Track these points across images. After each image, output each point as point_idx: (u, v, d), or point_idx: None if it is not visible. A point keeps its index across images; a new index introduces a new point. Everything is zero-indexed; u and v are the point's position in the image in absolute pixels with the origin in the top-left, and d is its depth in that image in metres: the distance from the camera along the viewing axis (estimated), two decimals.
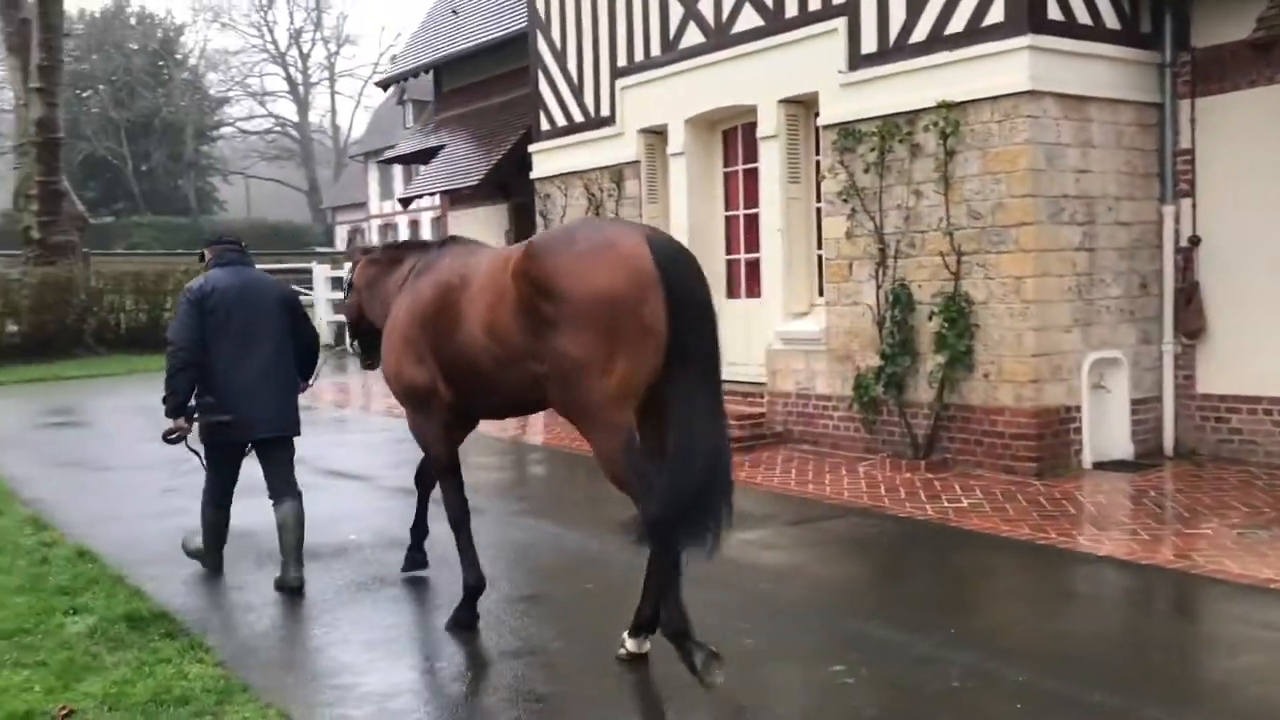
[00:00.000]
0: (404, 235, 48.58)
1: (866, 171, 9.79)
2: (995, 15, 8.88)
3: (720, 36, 11.25)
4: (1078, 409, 9.09)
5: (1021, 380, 8.90)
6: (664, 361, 4.59)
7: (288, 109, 69.67)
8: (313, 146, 68.10)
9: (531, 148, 14.14)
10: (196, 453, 6.46)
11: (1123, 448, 9.35)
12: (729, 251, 11.91)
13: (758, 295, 11.32)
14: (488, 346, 5.01)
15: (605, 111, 12.83)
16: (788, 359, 10.83)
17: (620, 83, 12.54)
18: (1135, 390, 9.46)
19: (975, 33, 9.01)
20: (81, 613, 5.45)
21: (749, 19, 10.94)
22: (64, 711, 4.25)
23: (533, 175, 14.11)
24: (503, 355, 4.95)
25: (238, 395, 6.25)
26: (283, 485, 6.40)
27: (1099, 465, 9.13)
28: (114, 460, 10.66)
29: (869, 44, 9.83)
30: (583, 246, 4.76)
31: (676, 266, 4.66)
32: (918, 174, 9.46)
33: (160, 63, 60.36)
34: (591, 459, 4.82)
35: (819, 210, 10.55)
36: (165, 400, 6.18)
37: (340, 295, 22.88)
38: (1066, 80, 8.91)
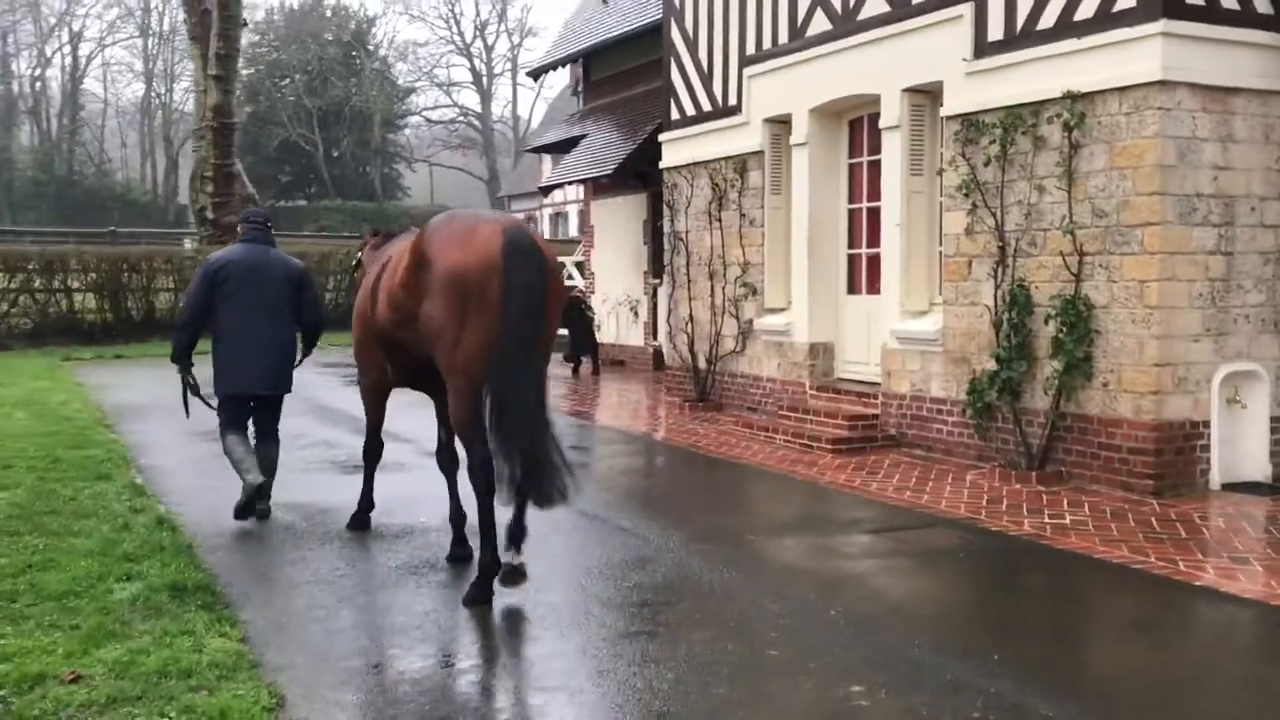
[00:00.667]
0: (548, 224, 49.36)
1: (988, 165, 9.32)
2: (1127, 0, 8.29)
3: (847, 24, 10.90)
4: (1206, 425, 8.43)
5: (1141, 391, 8.31)
6: (497, 334, 5.32)
7: (471, 99, 71.48)
8: (493, 136, 69.67)
9: (661, 137, 14.02)
10: (209, 404, 7.52)
11: (1258, 469, 8.63)
12: (851, 245, 11.54)
13: (878, 292, 10.93)
14: (393, 310, 5.90)
15: (733, 101, 12.61)
16: (903, 359, 10.41)
17: (748, 71, 12.30)
18: (1277, 407, 8.72)
19: (1106, 18, 8.44)
20: (134, 579, 5.62)
21: (875, 5, 10.56)
22: (71, 676, 4.36)
23: (661, 165, 13.99)
24: (399, 318, 5.84)
25: (238, 356, 7.27)
26: (266, 431, 7.57)
27: (1229, 487, 8.46)
28: None
29: (995, 31, 9.34)
30: (455, 228, 5.59)
31: (518, 255, 5.39)
32: (1041, 168, 8.94)
33: (352, 53, 62.72)
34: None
35: (942, 205, 10.11)
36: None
37: None
38: (1206, 70, 8.26)
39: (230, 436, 7.35)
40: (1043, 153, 8.92)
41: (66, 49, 66.68)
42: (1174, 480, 8.31)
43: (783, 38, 11.80)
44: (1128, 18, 8.29)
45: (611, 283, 17.99)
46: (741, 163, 12.48)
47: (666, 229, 13.87)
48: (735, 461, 9.79)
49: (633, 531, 7.08)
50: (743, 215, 12.50)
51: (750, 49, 12.30)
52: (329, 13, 64.38)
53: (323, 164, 60.82)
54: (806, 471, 9.33)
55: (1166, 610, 5.73)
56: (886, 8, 10.42)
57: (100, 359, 18.16)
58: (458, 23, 74.79)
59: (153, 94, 66.55)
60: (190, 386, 7.44)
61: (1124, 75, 8.31)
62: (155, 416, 12.09)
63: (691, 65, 13.36)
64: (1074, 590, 6.09)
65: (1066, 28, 8.72)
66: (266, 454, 7.49)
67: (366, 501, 7.17)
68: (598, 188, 18.20)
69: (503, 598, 5.56)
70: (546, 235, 48.65)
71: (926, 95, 10.20)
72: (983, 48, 9.45)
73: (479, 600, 5.48)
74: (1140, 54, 8.22)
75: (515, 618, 5.36)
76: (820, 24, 11.25)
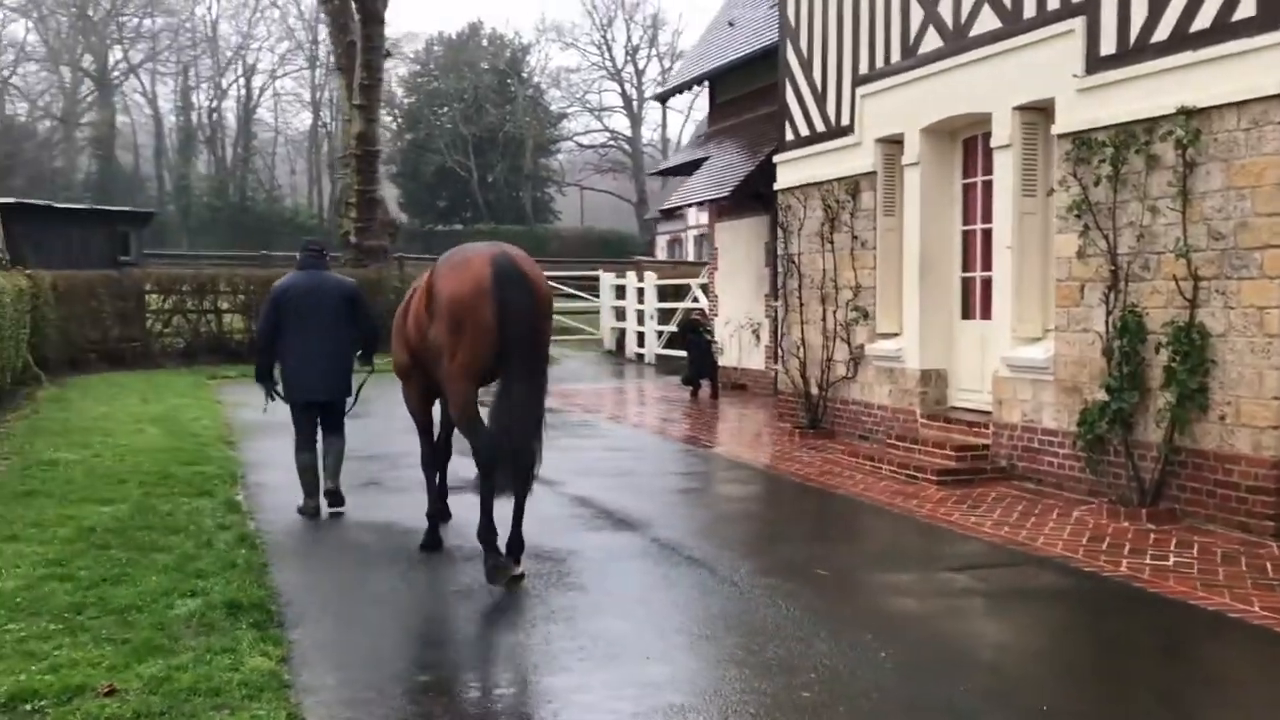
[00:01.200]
0: (668, 249, 49.27)
1: (1098, 185, 8.90)
2: (1246, 9, 7.81)
3: (958, 40, 10.58)
4: None
5: (1261, 425, 7.77)
6: (497, 351, 6.25)
7: (622, 123, 72.26)
8: (643, 159, 70.28)
9: (776, 158, 13.86)
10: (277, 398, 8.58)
11: None
12: (965, 269, 11.16)
13: (992, 318, 10.54)
14: (418, 331, 6.92)
15: (845, 121, 12.38)
16: (1014, 388, 10.01)
17: (860, 90, 12.06)
18: None
19: (1223, 29, 7.97)
20: (197, 595, 5.78)
21: (987, 21, 10.22)
22: (107, 689, 4.49)
23: (776, 186, 13.83)
24: (421, 338, 6.84)
25: (300, 368, 8.31)
26: (332, 431, 8.61)
27: None
28: (355, 450, 11.32)
29: (1108, 45, 8.92)
30: (454, 261, 6.59)
31: (508, 282, 6.26)
32: (1154, 189, 8.49)
33: (507, 81, 64.19)
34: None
35: (1054, 227, 9.69)
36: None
37: (621, 303, 23.50)
38: None
39: (301, 455, 8.42)
40: (1156, 172, 8.46)
41: (241, 81, 70.08)
42: None
43: (895, 56, 11.53)
44: (1246, 28, 7.80)
45: (734, 305, 17.84)
46: (854, 184, 12.23)
47: (780, 251, 13.70)
48: (831, 491, 9.55)
49: (701, 562, 6.95)
50: (854, 237, 12.24)
51: (863, 68, 12.06)
52: (485, 41, 66.07)
53: (476, 189, 62.34)
54: (905, 504, 9.03)
55: (1252, 665, 5.31)
56: (998, 23, 10.08)
57: (245, 377, 18.85)
58: (609, 49, 75.58)
59: (320, 123, 69.32)
60: (272, 397, 8.56)
61: (1242, 89, 7.82)
62: (276, 434, 12.44)
63: (805, 85, 13.17)
64: (1152, 638, 5.71)
65: (1182, 40, 8.27)
66: (333, 448, 8.54)
67: (435, 513, 7.48)
68: (721, 210, 18.12)
69: (551, 624, 5.52)
70: (691, 257, 48.73)
71: (1039, 113, 9.81)
72: (1095, 62, 9.04)
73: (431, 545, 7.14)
74: (1258, 66, 7.73)
75: (556, 644, 5.30)
76: (932, 41, 10.96)
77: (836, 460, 11.08)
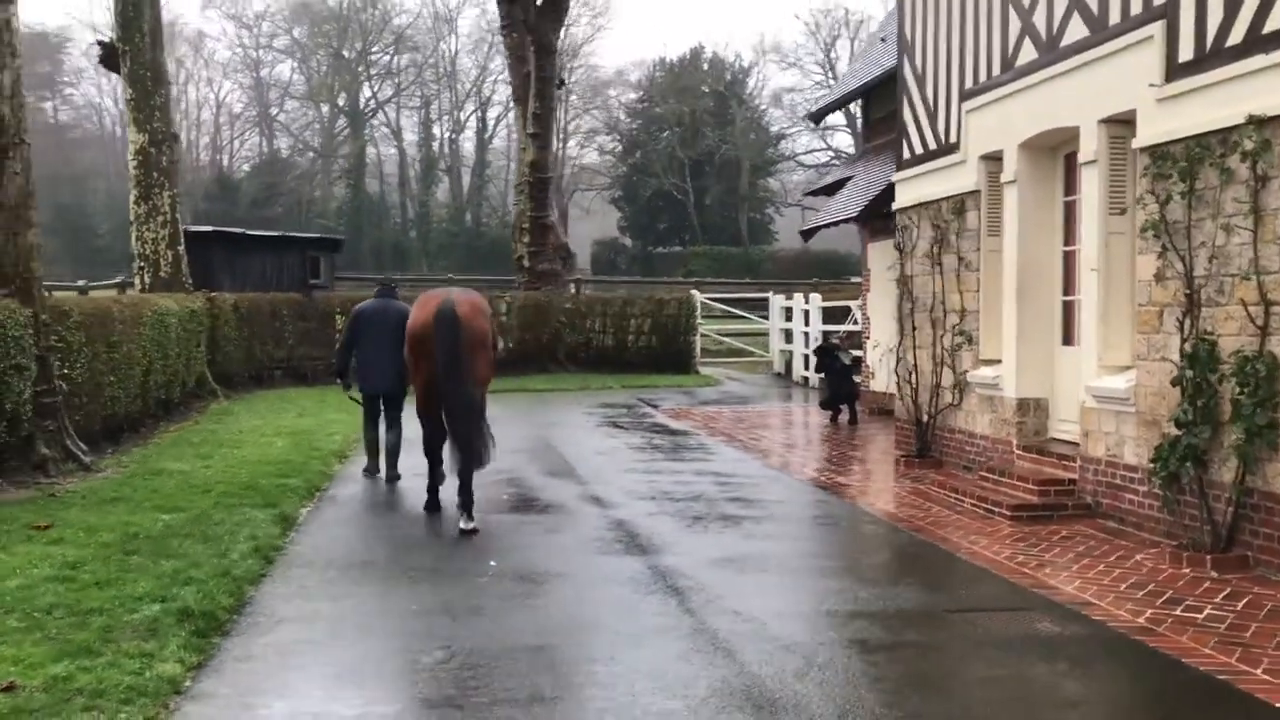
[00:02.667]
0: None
1: (1168, 202, 8.25)
2: None
3: (1051, 51, 10.02)
4: None
5: None
6: (434, 375, 8.71)
7: (845, 141, 71.37)
8: None
9: (894, 177, 13.46)
10: (356, 400, 11.35)
11: None
12: (1066, 292, 10.52)
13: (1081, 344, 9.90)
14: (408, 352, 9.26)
15: (953, 138, 11.90)
16: (1099, 419, 9.36)
17: (966, 106, 11.57)
18: None
19: None
20: (167, 601, 6.14)
21: (1076, 29, 9.64)
22: (6, 685, 4.87)
23: (894, 206, 13.42)
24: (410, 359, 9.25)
25: (366, 369, 10.99)
26: (391, 422, 11.03)
27: None
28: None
29: (1186, 51, 8.26)
30: (419, 302, 9.10)
31: (442, 320, 8.58)
32: (1228, 205, 7.79)
33: (726, 103, 64.58)
34: None
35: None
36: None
37: (790, 325, 23.21)
38: None
39: (367, 432, 11.31)
40: (1230, 187, 7.77)
41: (477, 114, 73.37)
42: None
43: (995, 69, 11.01)
44: None
45: (883, 328, 17.32)
46: (960, 203, 11.73)
47: (897, 274, 13.27)
48: (894, 524, 9.17)
49: (697, 587, 6.84)
50: (960, 259, 11.73)
51: (969, 83, 11.57)
52: (706, 65, 66.73)
53: (692, 211, 62.97)
54: (960, 540, 8.59)
55: None
56: (1086, 32, 9.49)
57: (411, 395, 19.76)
58: (832, 68, 74.86)
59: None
60: (347, 387, 11.33)
61: None
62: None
63: (920, 102, 12.74)
64: (1105, 701, 5.23)
65: (1255, 43, 7.57)
66: (390, 436, 10.99)
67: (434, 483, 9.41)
68: (873, 231, 17.68)
69: (513, 661, 5.59)
70: None
71: (1125, 125, 9.16)
72: (1173, 70, 8.39)
73: (430, 507, 9.27)
74: None
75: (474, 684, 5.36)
76: (1028, 53, 10.41)
77: (924, 492, 10.64)
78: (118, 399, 12.55)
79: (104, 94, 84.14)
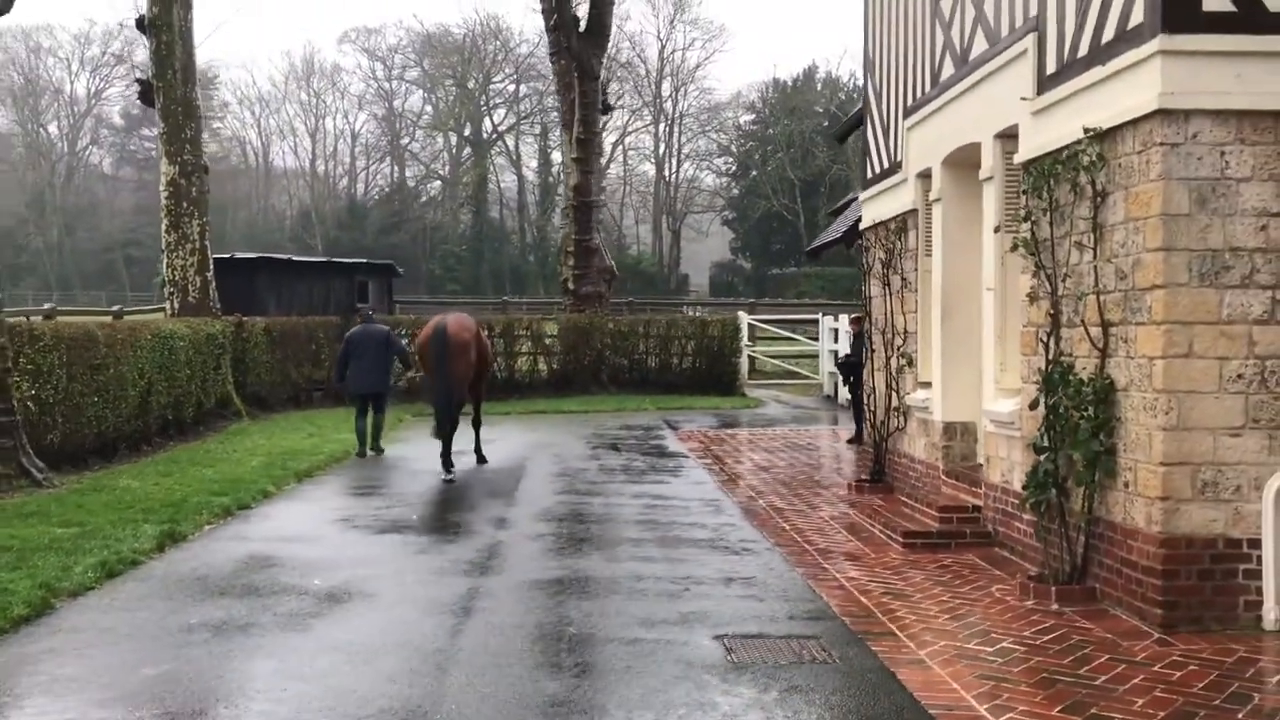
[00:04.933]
0: None
1: (1036, 219, 7.95)
2: (1137, 14, 6.78)
3: (962, 66, 9.77)
4: (1254, 544, 6.55)
5: (1150, 496, 6.65)
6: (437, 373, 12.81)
7: None
8: None
9: (861, 197, 13.23)
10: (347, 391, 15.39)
11: None
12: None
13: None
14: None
15: (898, 156, 11.66)
16: (996, 444, 9.06)
17: (907, 123, 11.33)
18: None
19: (1121, 39, 6.97)
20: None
21: (980, 43, 9.39)
22: None
23: (861, 226, 13.18)
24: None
25: (357, 375, 14.77)
26: (376, 410, 14.81)
27: None
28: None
29: (1051, 63, 8.00)
30: (429, 324, 13.39)
31: (438, 337, 12.73)
32: (1080, 222, 7.49)
33: (838, 122, 63.98)
34: None
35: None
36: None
37: (837, 347, 22.88)
38: (1245, 92, 6.52)
39: (358, 423, 14.84)
40: (1080, 203, 7.47)
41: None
42: (1197, 612, 6.56)
43: (927, 85, 10.76)
44: (1134, 37, 6.78)
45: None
46: (903, 222, 11.48)
47: (863, 295, 13.02)
48: (777, 548, 8.99)
49: (490, 609, 6.88)
50: (904, 279, 11.47)
51: (909, 100, 11.33)
52: (819, 85, 66.31)
53: (803, 232, 62.49)
54: (830, 564, 8.40)
55: None
56: (985, 45, 9.23)
57: (424, 417, 19.92)
58: None
59: (662, 175, 72.18)
60: (345, 392, 15.71)
61: (1130, 107, 6.80)
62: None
63: (878, 120, 12.52)
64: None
65: (1097, 53, 7.28)
66: (376, 420, 14.86)
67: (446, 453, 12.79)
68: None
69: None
70: None
71: (1014, 140, 8.86)
72: (1042, 83, 8.12)
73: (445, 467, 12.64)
74: (1141, 79, 6.70)
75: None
76: (948, 68, 10.16)
77: (848, 518, 10.40)
78: (104, 418, 13.18)
79: (247, 127, 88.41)
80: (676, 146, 72.62)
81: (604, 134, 72.84)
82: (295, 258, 25.84)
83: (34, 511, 9.76)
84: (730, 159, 70.78)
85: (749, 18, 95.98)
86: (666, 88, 71.90)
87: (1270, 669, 5.89)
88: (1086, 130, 7.17)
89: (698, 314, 31.13)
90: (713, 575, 8.06)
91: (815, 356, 25.07)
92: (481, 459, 13.86)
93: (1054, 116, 7.85)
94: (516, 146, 77.62)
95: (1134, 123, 6.79)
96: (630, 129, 74.47)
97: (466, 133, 78.12)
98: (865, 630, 6.64)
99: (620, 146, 75.28)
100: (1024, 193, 8.19)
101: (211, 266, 18.49)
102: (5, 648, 6.10)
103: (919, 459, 11.05)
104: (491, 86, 77.27)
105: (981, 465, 9.92)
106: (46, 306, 16.47)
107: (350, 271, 25.27)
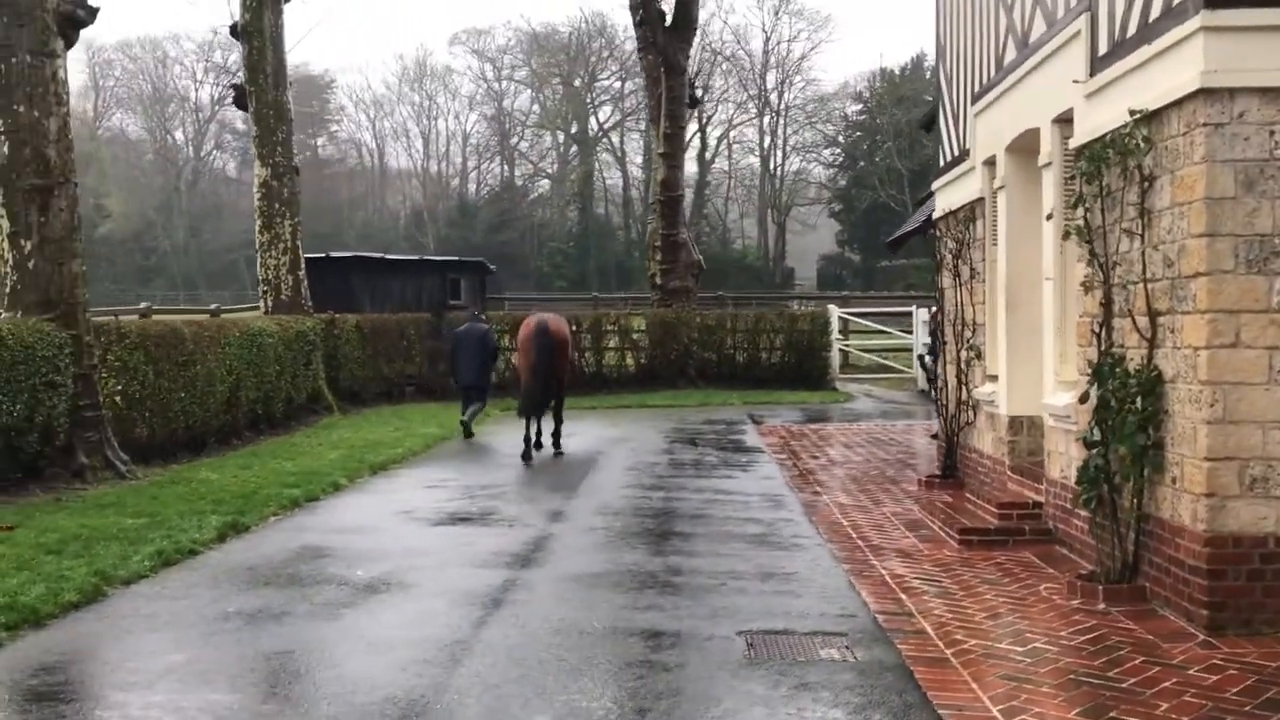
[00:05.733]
0: None
1: (1078, 205, 7.68)
2: None
3: (1024, 49, 9.49)
4: None
5: (1196, 492, 6.39)
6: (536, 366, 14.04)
7: None
8: None
9: (934, 186, 12.95)
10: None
11: None
12: None
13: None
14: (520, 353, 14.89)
15: (967, 144, 11.38)
16: (1055, 438, 8.79)
17: (973, 109, 11.05)
18: None
19: (1167, 15, 6.69)
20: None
21: (1039, 24, 9.12)
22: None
23: (934, 216, 12.91)
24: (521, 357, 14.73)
25: (461, 370, 16.33)
26: (477, 399, 16.25)
27: None
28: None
29: (1103, 43, 7.72)
30: (525, 322, 14.84)
31: (540, 332, 14.08)
32: (1130, 208, 7.22)
33: None
34: None
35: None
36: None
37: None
38: None
39: (462, 412, 16.24)
40: (1130, 188, 7.19)
41: (698, 135, 74.21)
42: (1246, 614, 6.28)
43: (992, 71, 10.48)
44: (1179, 13, 6.50)
45: None
46: (971, 210, 11.21)
47: (937, 286, 12.76)
48: (828, 543, 8.87)
49: (521, 601, 6.94)
50: (973, 270, 11.20)
51: (976, 85, 11.05)
52: (928, 74, 65.05)
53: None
54: (879, 561, 8.26)
55: None
56: (1044, 26, 8.95)
57: (508, 412, 20.07)
58: None
59: (768, 169, 71.75)
60: (454, 381, 17.17)
61: (1175, 86, 6.53)
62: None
63: (949, 107, 12.24)
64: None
65: (1145, 31, 7.00)
66: (475, 407, 16.21)
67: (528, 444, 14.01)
68: None
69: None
70: None
71: (1070, 125, 8.57)
72: (1095, 64, 7.85)
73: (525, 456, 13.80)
74: (1184, 58, 6.42)
75: None
76: (1010, 52, 9.88)
77: (911, 515, 10.20)
78: (192, 413, 13.64)
79: (361, 129, 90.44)
80: (782, 139, 72.09)
81: (709, 128, 73.15)
82: (388, 256, 26.36)
83: (111, 503, 10.15)
84: (837, 150, 69.97)
85: (855, 7, 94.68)
86: (771, 80, 71.48)
87: None
88: (1133, 112, 6.90)
89: (803, 308, 30.86)
90: (753, 570, 7.99)
91: (910, 350, 24.63)
92: (559, 450, 14.42)
93: (1106, 99, 7.58)
94: (621, 143, 77.89)
95: (1178, 103, 6.52)
96: (736, 122, 74.25)
97: (573, 131, 78.76)
98: (896, 628, 6.51)
99: (725, 140, 75.10)
100: (1074, 177, 7.93)
101: (303, 265, 18.99)
102: (49, 632, 6.36)
103: (987, 454, 10.78)
104: (597, 84, 77.73)
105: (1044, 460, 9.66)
106: (143, 305, 17.11)
107: (442, 269, 25.71)
